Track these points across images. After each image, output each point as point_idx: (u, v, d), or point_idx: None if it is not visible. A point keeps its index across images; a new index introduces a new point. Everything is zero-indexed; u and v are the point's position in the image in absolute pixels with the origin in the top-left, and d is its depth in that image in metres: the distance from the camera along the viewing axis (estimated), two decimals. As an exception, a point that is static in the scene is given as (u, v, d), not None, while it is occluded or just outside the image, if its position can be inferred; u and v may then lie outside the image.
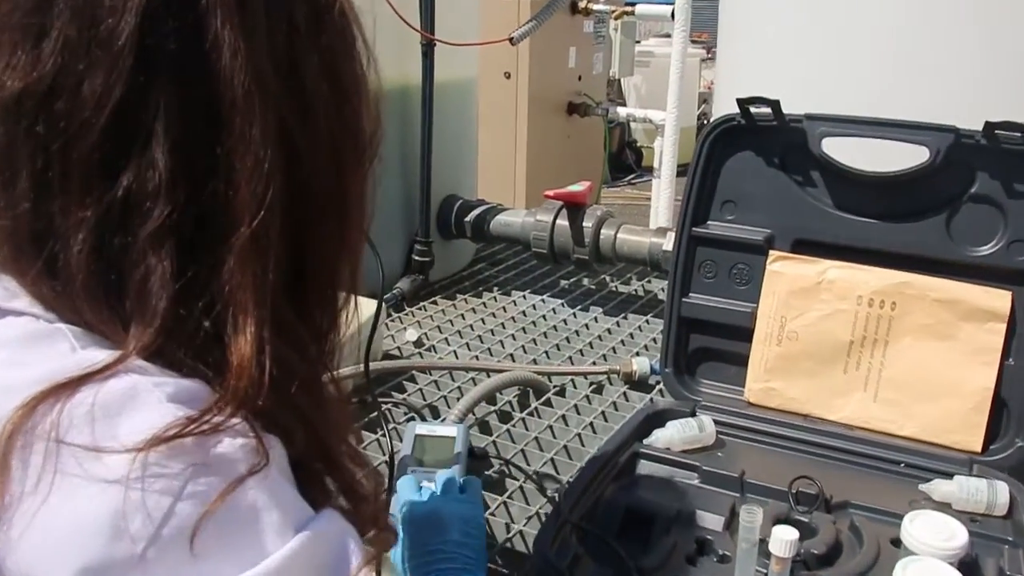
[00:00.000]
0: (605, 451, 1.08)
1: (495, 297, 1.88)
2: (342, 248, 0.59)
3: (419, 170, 1.79)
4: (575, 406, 1.39)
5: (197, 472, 0.45)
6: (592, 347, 1.63)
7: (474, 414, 1.35)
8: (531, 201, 3.83)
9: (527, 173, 3.94)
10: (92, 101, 0.46)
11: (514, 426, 1.33)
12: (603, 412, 1.37)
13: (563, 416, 1.36)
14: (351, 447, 0.60)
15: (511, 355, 1.59)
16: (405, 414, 1.37)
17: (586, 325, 1.73)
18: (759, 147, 1.15)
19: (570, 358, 1.58)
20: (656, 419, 1.14)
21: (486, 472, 1.20)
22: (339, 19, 0.55)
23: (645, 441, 1.10)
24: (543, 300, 1.85)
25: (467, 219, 1.88)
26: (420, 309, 1.81)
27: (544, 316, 1.78)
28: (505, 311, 1.81)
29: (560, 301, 1.84)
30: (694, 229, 1.19)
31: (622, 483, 1.04)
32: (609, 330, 1.70)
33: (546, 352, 1.60)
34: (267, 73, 0.49)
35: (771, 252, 1.16)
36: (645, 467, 1.08)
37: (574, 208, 1.73)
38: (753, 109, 1.12)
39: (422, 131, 1.75)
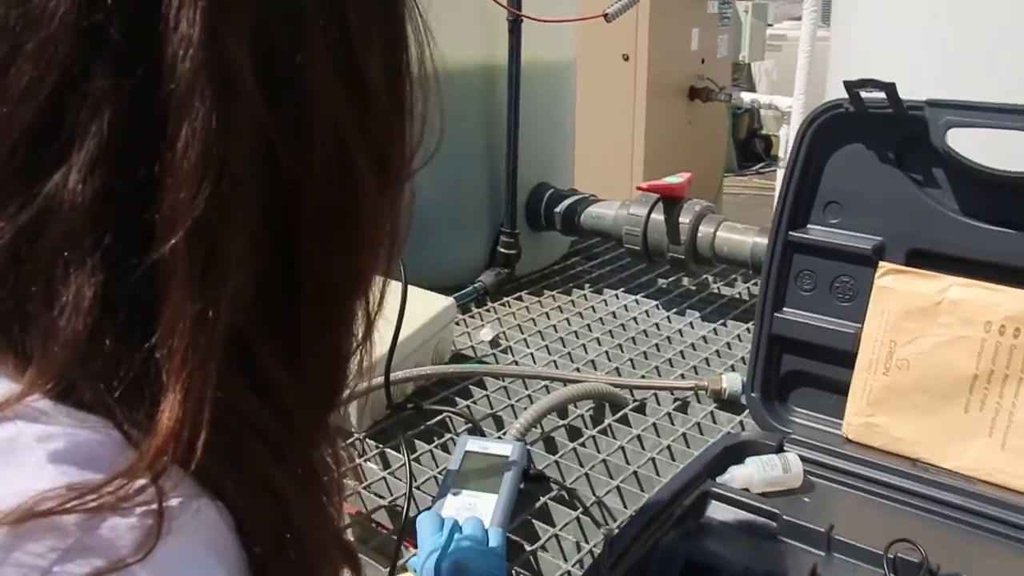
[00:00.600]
0: (671, 488, 0.94)
1: (585, 295, 1.75)
2: (355, 286, 0.48)
3: (505, 156, 1.67)
4: (654, 425, 1.24)
5: (68, 556, 0.35)
6: (683, 357, 1.48)
7: (541, 427, 1.23)
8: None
9: (645, 161, 3.79)
10: (18, 93, 0.37)
11: (583, 445, 1.20)
12: (684, 435, 1.22)
13: (639, 436, 1.22)
14: (331, 532, 0.49)
15: (592, 361, 1.46)
16: (466, 423, 1.26)
17: (680, 331, 1.57)
18: (871, 139, 0.97)
19: (656, 368, 1.43)
20: (735, 452, 0.99)
21: (541, 497, 1.07)
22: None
23: (719, 479, 0.96)
24: (636, 300, 1.71)
25: (557, 210, 1.75)
26: (503, 305, 1.70)
27: (635, 319, 1.63)
28: (594, 311, 1.67)
29: (655, 302, 1.69)
30: (791, 233, 1.03)
31: (686, 528, 0.90)
32: (705, 338, 1.54)
33: (631, 360, 1.46)
34: (235, 67, 0.38)
35: (881, 264, 0.98)
36: (716, 510, 0.93)
37: (671, 202, 1.57)
38: (864, 94, 0.94)
39: (508, 115, 1.63)
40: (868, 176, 0.98)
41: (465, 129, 1.66)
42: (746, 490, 0.94)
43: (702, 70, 3.76)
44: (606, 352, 1.49)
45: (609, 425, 1.25)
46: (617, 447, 1.19)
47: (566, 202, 1.74)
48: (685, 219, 1.54)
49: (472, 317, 1.64)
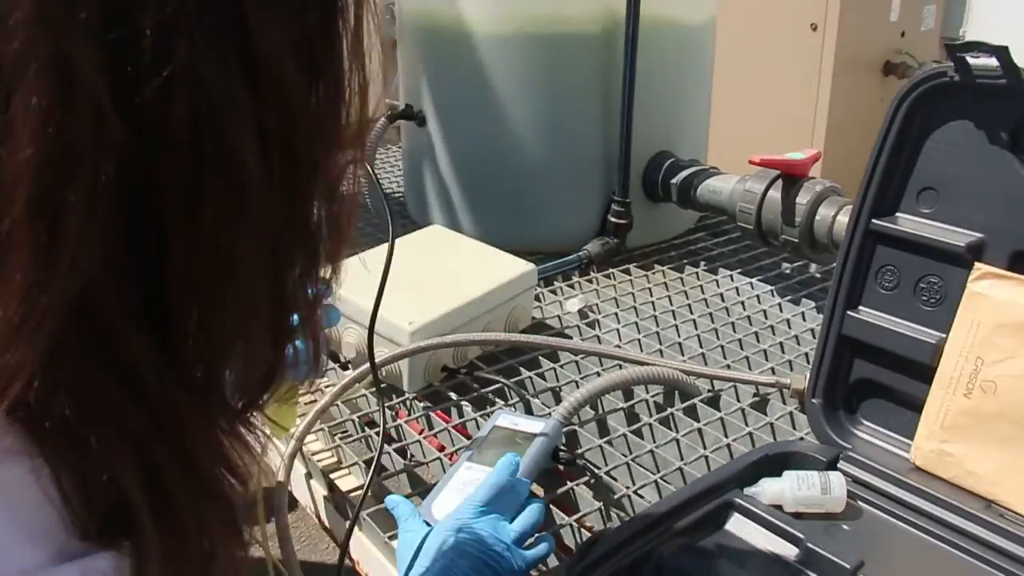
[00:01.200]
0: (688, 492, 0.84)
1: (697, 274, 1.63)
2: (241, 285, 0.42)
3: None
4: (721, 420, 1.13)
5: None
6: (783, 350, 1.34)
7: (601, 408, 1.16)
8: (828, 172, 3.42)
9: (826, 138, 3.52)
10: None
11: (638, 433, 1.11)
12: (751, 434, 1.10)
13: (699, 431, 1.11)
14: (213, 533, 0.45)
15: (680, 344, 1.35)
16: (535, 393, 1.21)
17: (787, 321, 1.43)
18: (980, 116, 0.81)
19: (747, 359, 1.30)
20: (775, 462, 0.88)
21: (569, 482, 1.00)
22: None
23: (747, 490, 0.85)
24: (751, 284, 1.57)
25: (673, 181, 1.63)
26: (607, 277, 1.61)
27: (743, 303, 1.50)
28: (702, 291, 1.55)
29: (769, 288, 1.55)
30: (874, 221, 0.88)
31: (694, 540, 0.80)
32: (813, 331, 1.39)
33: (722, 347, 1.34)
34: (68, 29, 0.33)
35: (977, 265, 0.82)
36: (736, 524, 0.82)
37: (791, 180, 1.42)
38: (971, 60, 0.79)
39: (624, 77, 1.52)
40: (973, 160, 0.82)
41: (582, 90, 1.57)
42: (778, 507, 0.83)
43: (901, 44, 3.41)
44: (698, 336, 1.38)
45: (672, 414, 1.15)
46: (671, 439, 1.09)
47: (683, 173, 1.62)
48: (803, 199, 1.39)
49: (571, 286, 1.57)
